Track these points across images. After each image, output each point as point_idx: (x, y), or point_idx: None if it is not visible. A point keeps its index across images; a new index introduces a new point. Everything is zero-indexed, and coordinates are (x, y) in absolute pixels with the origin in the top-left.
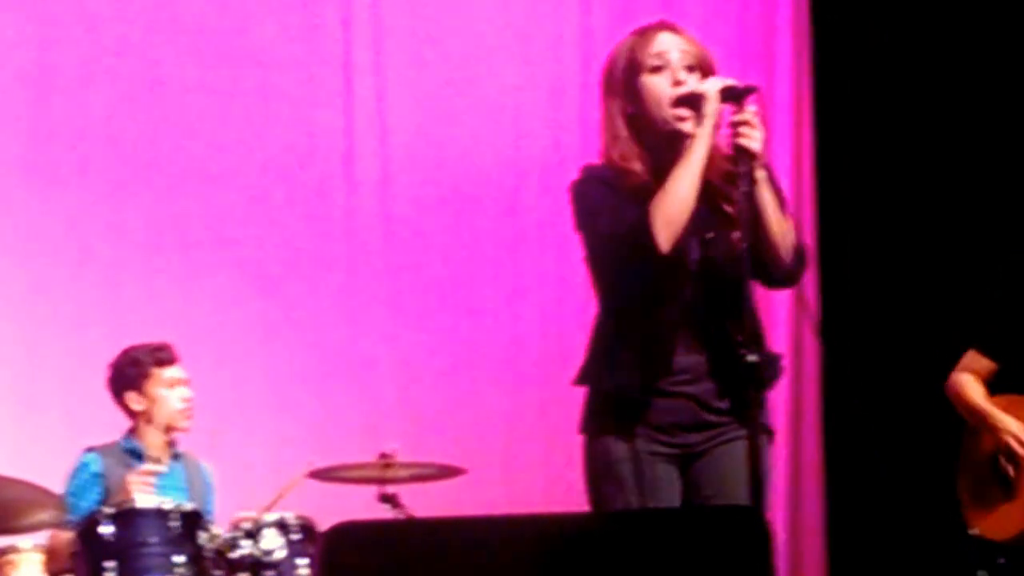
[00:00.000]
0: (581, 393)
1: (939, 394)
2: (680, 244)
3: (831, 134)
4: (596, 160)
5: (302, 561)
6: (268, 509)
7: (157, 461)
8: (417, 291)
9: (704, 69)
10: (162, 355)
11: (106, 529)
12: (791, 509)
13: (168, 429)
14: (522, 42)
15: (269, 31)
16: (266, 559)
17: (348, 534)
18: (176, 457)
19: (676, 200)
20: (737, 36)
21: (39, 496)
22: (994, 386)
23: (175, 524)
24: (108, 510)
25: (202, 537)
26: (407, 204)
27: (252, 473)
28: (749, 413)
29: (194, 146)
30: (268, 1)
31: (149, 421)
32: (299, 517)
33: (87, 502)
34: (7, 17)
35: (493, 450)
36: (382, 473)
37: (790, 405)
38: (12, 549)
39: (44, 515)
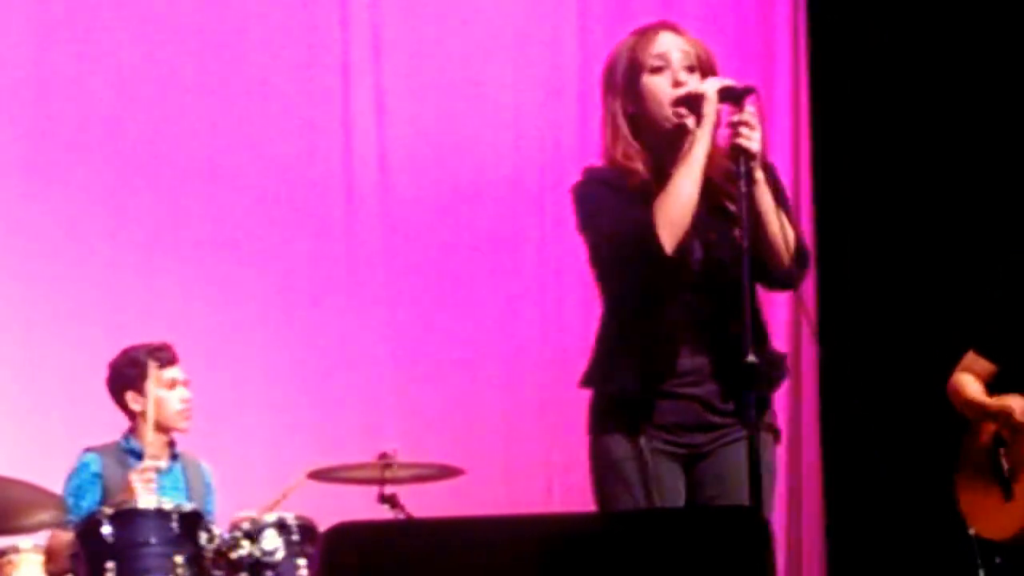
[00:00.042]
0: (580, 393)
1: (939, 394)
2: (683, 244)
3: (829, 134)
4: (596, 160)
5: (302, 561)
6: (269, 510)
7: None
8: (416, 291)
9: (705, 69)
10: (161, 355)
11: (106, 529)
12: (791, 509)
13: (166, 429)
14: (520, 42)
15: (268, 32)
16: (266, 559)
17: (348, 534)
18: (175, 457)
19: (679, 200)
20: (735, 36)
21: (39, 496)
22: (994, 387)
23: (175, 524)
24: (108, 510)
25: (202, 537)
26: (406, 204)
27: (252, 473)
28: (750, 413)
29: (194, 146)
30: (267, 2)
31: (148, 421)
32: (299, 517)
33: (87, 502)
34: (6, 18)
35: (492, 450)
36: (381, 473)
37: (789, 405)
38: (12, 549)
39: (44, 515)
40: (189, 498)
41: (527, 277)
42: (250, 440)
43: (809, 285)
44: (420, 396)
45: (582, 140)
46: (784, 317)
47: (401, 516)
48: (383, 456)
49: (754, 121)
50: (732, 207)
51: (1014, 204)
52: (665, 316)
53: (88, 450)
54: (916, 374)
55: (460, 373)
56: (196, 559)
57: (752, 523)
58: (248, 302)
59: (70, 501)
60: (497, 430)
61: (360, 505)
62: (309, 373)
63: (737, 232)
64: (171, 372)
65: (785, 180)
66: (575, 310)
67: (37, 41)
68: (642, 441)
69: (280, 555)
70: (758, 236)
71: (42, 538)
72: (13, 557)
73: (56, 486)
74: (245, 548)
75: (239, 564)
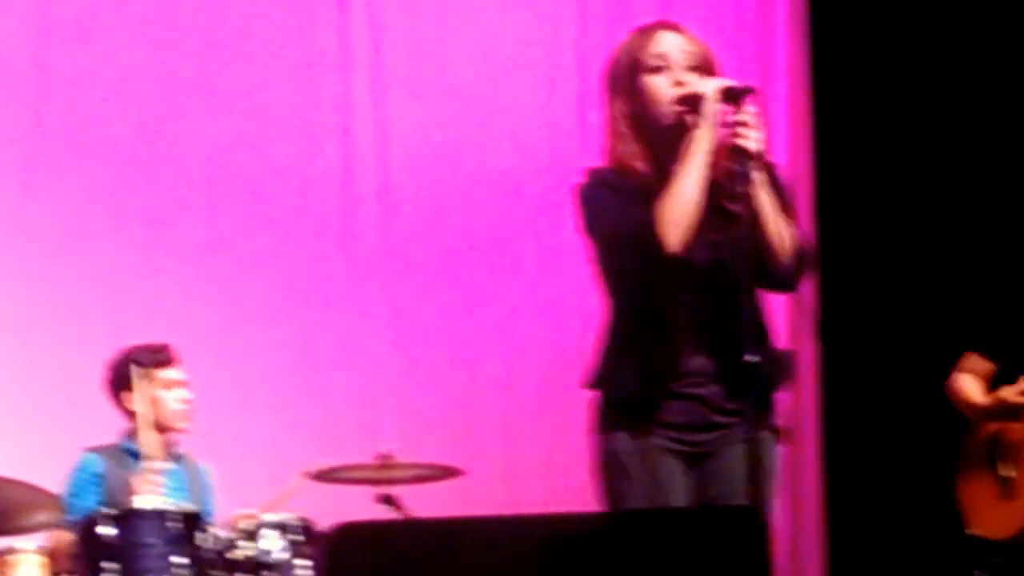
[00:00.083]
0: (580, 393)
1: (939, 394)
2: (688, 244)
3: (828, 134)
4: (596, 160)
5: (302, 562)
6: (267, 509)
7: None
8: (416, 292)
9: (706, 69)
10: (160, 356)
11: (106, 530)
12: (790, 509)
13: (165, 430)
14: (520, 43)
15: (267, 33)
16: (266, 560)
17: (352, 534)
18: (175, 458)
19: (682, 201)
20: (734, 36)
21: (38, 497)
22: (994, 387)
23: (175, 525)
24: (108, 511)
25: (202, 538)
26: (405, 204)
27: (251, 474)
28: (753, 413)
29: (194, 147)
30: (266, 3)
31: (147, 422)
32: (299, 518)
33: (87, 503)
34: (6, 19)
35: (492, 451)
36: (381, 474)
37: (789, 405)
38: (11, 550)
39: (43, 516)
40: (189, 499)
41: (527, 277)
42: (250, 440)
43: (809, 285)
44: (420, 396)
45: (582, 140)
46: (784, 316)
47: (401, 516)
48: (383, 456)
49: (754, 121)
50: (733, 207)
51: (1014, 204)
52: (668, 316)
53: (88, 451)
54: (916, 374)
55: (460, 373)
56: (196, 560)
57: (750, 523)
58: (248, 302)
59: (70, 502)
60: (497, 430)
61: (360, 505)
62: (309, 373)
63: (737, 232)
64: (169, 373)
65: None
66: (575, 310)
67: (37, 41)
68: (646, 439)
69: (280, 555)
70: (757, 237)
71: (42, 539)
72: (12, 558)
73: (56, 487)
74: (245, 549)
75: (239, 565)
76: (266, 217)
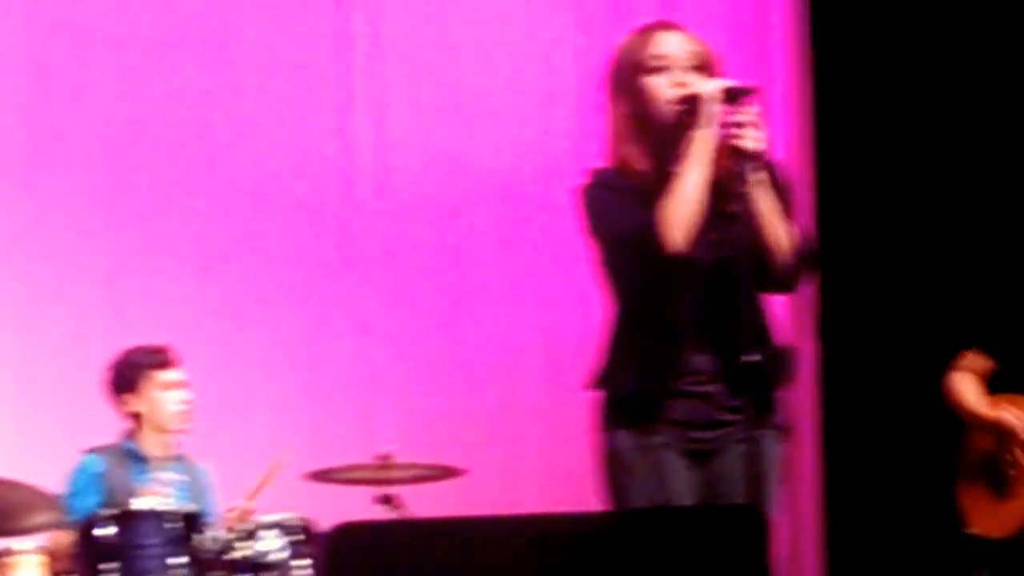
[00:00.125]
0: (579, 393)
1: (937, 393)
2: (691, 244)
3: (827, 134)
4: (594, 161)
5: (301, 562)
6: (254, 496)
7: (156, 463)
8: (415, 292)
9: (706, 69)
10: (160, 357)
11: (106, 531)
12: (789, 508)
13: (165, 431)
14: (518, 45)
15: (267, 35)
16: (265, 560)
17: (351, 534)
18: (175, 459)
19: (684, 201)
20: (732, 36)
21: (38, 498)
22: (992, 386)
23: (175, 526)
24: (108, 512)
25: (201, 539)
26: (404, 205)
27: (250, 475)
28: (755, 412)
29: (193, 148)
30: (265, 4)
31: (147, 423)
32: (298, 518)
33: (87, 504)
34: (5, 20)
35: (491, 451)
36: (380, 474)
37: (788, 404)
38: (11, 551)
39: (43, 517)
40: (189, 500)
41: (526, 278)
42: (249, 441)
43: (808, 284)
44: (419, 397)
45: (580, 142)
46: (784, 315)
47: (401, 517)
48: (382, 457)
49: (753, 121)
50: (734, 206)
51: (1014, 204)
52: (671, 316)
53: (88, 451)
54: (916, 373)
55: (459, 374)
56: (195, 560)
57: (750, 522)
58: (247, 303)
59: (70, 502)
60: (496, 430)
61: (359, 506)
62: (308, 374)
63: (738, 231)
64: (169, 374)
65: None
66: (574, 311)
67: (37, 43)
68: (649, 437)
69: (279, 556)
70: (757, 237)
71: (41, 540)
72: (12, 559)
73: (56, 488)
74: (244, 549)
75: (238, 565)
76: (265, 218)
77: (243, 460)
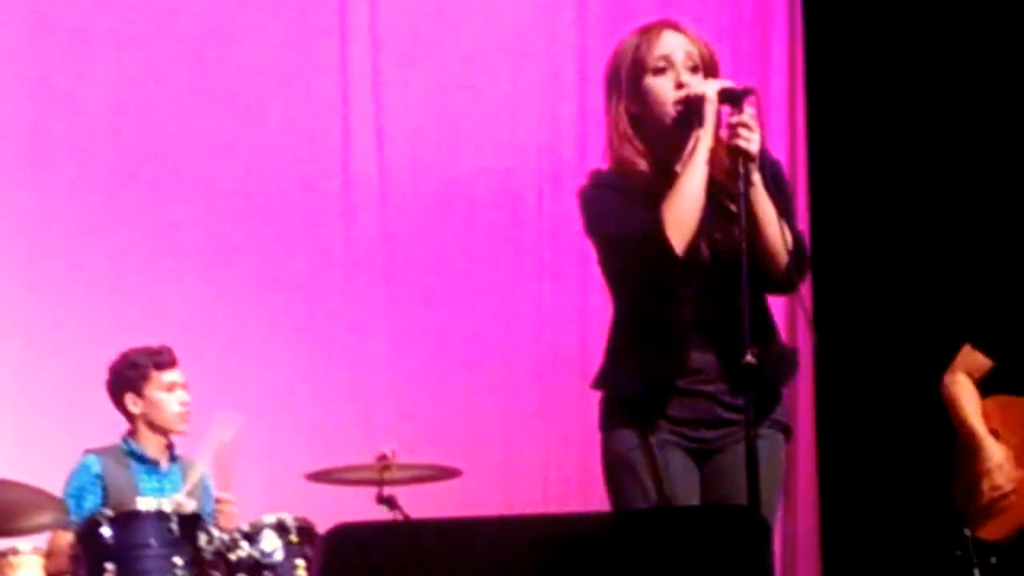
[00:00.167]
0: (577, 394)
1: (935, 394)
2: (692, 243)
3: (825, 134)
4: (597, 160)
5: (301, 563)
6: (226, 484)
7: (156, 464)
8: (414, 293)
9: (708, 69)
10: (161, 358)
11: (106, 531)
12: (786, 509)
13: (165, 432)
14: (518, 44)
15: (267, 35)
16: (265, 561)
17: (348, 535)
18: (175, 460)
19: (685, 201)
20: (731, 37)
21: (39, 499)
22: (990, 385)
23: (174, 526)
24: (108, 512)
25: (201, 539)
26: (404, 206)
27: (250, 475)
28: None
29: (193, 149)
30: (265, 6)
31: (147, 424)
32: (297, 519)
33: (88, 504)
34: (5, 22)
35: (490, 451)
36: (380, 475)
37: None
38: (11, 551)
39: (44, 517)
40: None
41: (525, 278)
42: (248, 442)
43: (806, 285)
44: (418, 397)
45: (580, 141)
46: (781, 314)
47: (400, 517)
48: (381, 457)
49: (753, 123)
50: (734, 206)
51: (1013, 204)
52: (674, 316)
53: (89, 452)
54: (914, 373)
55: (458, 374)
56: (195, 560)
57: (749, 523)
58: (246, 304)
59: (71, 503)
60: (495, 431)
61: (358, 506)
62: (307, 375)
63: (739, 230)
64: (170, 375)
65: None
66: (572, 311)
67: (37, 45)
68: (652, 435)
69: (279, 556)
70: (756, 238)
71: (41, 540)
72: (12, 559)
73: (56, 488)
74: (244, 550)
75: (238, 565)
76: (266, 218)
77: (242, 461)
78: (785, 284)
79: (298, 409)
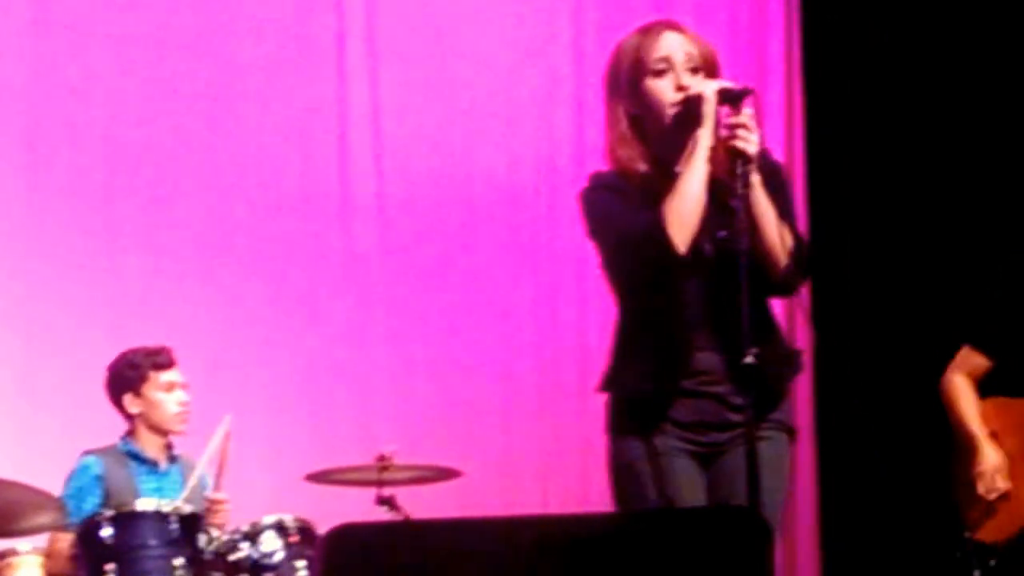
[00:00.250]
0: (576, 395)
1: (935, 395)
2: (695, 243)
3: (823, 135)
4: (595, 161)
5: (300, 563)
6: (219, 484)
7: (155, 464)
8: (413, 294)
9: (708, 69)
10: (159, 359)
11: (106, 532)
12: (786, 509)
13: (164, 432)
14: (516, 46)
15: (265, 38)
16: (265, 561)
17: (349, 536)
18: (174, 460)
19: (687, 200)
20: (728, 37)
21: (38, 499)
22: (988, 386)
23: (174, 527)
24: (108, 513)
25: (201, 540)
26: (403, 207)
27: (250, 476)
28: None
29: (193, 150)
30: (263, 7)
31: (146, 424)
32: (297, 520)
33: (87, 505)
34: (5, 23)
35: (490, 452)
36: (379, 475)
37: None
38: (11, 552)
39: (43, 518)
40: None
41: (524, 279)
42: (248, 443)
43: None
44: (417, 398)
45: (578, 143)
46: (780, 314)
47: (399, 518)
48: (381, 458)
49: (751, 123)
50: (734, 204)
51: (1013, 204)
52: (677, 315)
53: (88, 453)
54: (914, 374)
55: (457, 375)
56: (195, 561)
57: (750, 523)
58: (246, 305)
59: (70, 504)
60: (494, 432)
61: (358, 507)
62: (307, 376)
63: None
64: (168, 375)
65: None
66: (571, 312)
67: (35, 47)
68: (657, 441)
69: (279, 557)
70: (755, 239)
71: (41, 541)
72: (12, 560)
73: (56, 489)
74: (244, 550)
75: (238, 566)
76: (265, 220)
77: (241, 463)
78: (785, 286)
79: (298, 410)
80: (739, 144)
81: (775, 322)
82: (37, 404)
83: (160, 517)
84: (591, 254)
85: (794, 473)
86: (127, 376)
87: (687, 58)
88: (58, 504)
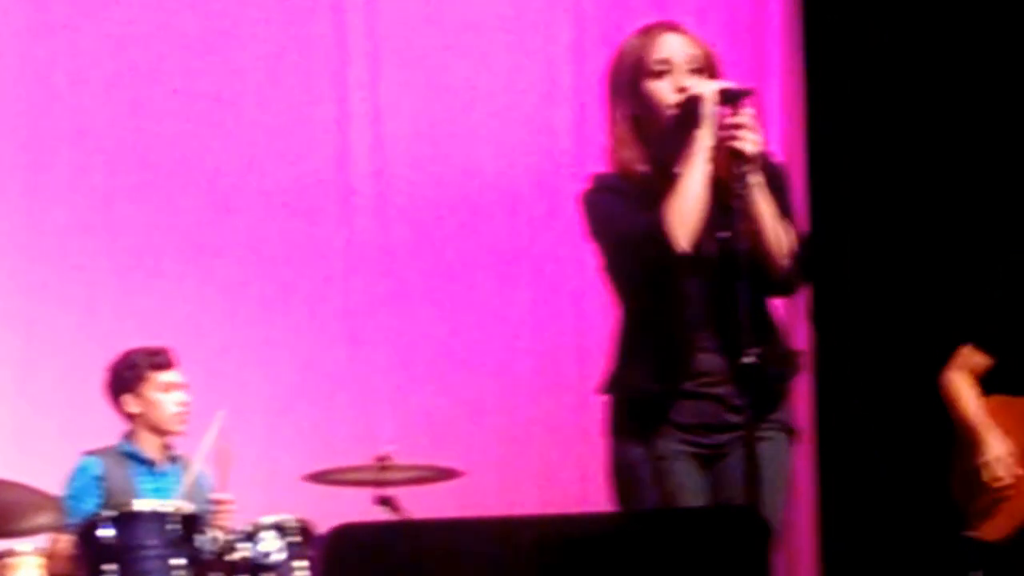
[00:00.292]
0: (575, 395)
1: (935, 394)
2: (697, 244)
3: (822, 135)
4: (594, 163)
5: (300, 563)
6: (222, 486)
7: (154, 465)
8: (413, 294)
9: (708, 70)
10: (159, 359)
11: (106, 532)
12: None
13: (163, 433)
14: (515, 47)
15: (265, 39)
16: (264, 561)
17: (349, 536)
18: (173, 460)
19: (688, 200)
20: (728, 38)
21: (38, 499)
22: (989, 385)
23: (174, 527)
24: (108, 513)
25: (201, 540)
26: (402, 208)
27: (249, 476)
28: (758, 414)
29: (192, 151)
30: (263, 7)
31: (145, 425)
32: (297, 520)
33: (87, 505)
34: (5, 23)
35: (489, 452)
36: (379, 476)
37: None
38: (11, 552)
39: (43, 518)
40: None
41: (523, 280)
42: (248, 443)
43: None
44: (417, 398)
45: (578, 144)
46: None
47: (399, 518)
48: (380, 458)
49: (751, 124)
50: (735, 203)
51: (1012, 204)
52: (679, 316)
53: (87, 453)
54: (913, 373)
55: (457, 375)
56: (195, 561)
57: (750, 523)
58: (245, 305)
59: (70, 504)
60: (494, 432)
61: (358, 507)
62: (307, 376)
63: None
64: (167, 376)
65: None
66: (570, 313)
67: (34, 48)
68: (659, 443)
69: (278, 557)
70: (756, 240)
71: (41, 541)
72: (12, 560)
73: (55, 489)
74: (244, 550)
75: (238, 566)
76: (264, 219)
77: (241, 463)
78: (785, 286)
79: (298, 410)
80: (739, 144)
81: (776, 322)
82: (37, 404)
83: (160, 517)
84: (590, 254)
85: (795, 473)
86: (126, 376)
87: (687, 59)
88: (58, 505)
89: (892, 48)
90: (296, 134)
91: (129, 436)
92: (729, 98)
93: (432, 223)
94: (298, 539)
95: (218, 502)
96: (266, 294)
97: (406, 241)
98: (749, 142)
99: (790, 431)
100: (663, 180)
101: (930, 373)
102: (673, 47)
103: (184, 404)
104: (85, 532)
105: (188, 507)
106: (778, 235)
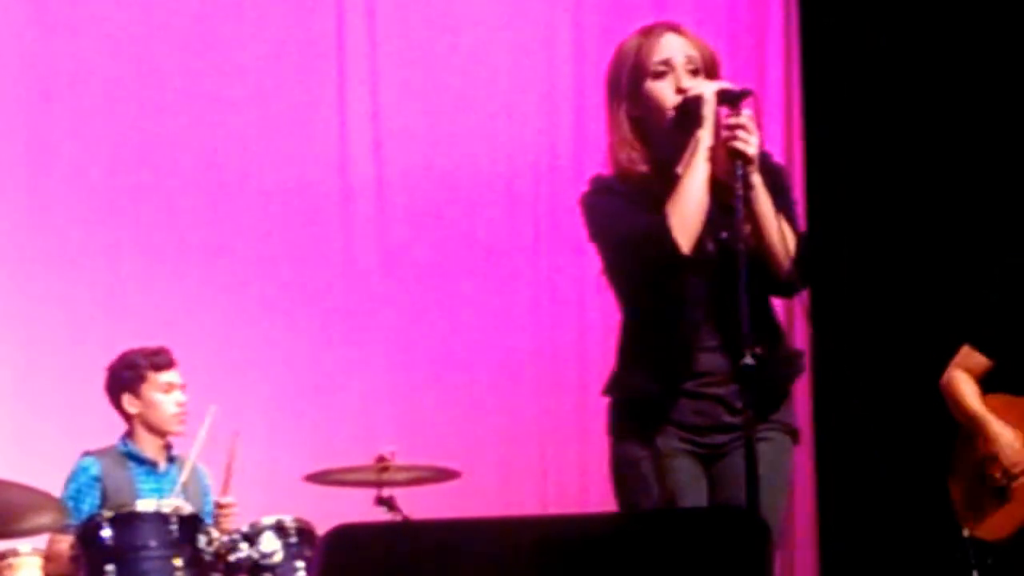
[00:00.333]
0: (575, 396)
1: (934, 395)
2: (697, 244)
3: (822, 135)
4: (594, 162)
5: (300, 564)
6: (226, 489)
7: (154, 465)
8: (413, 295)
9: (709, 70)
10: (158, 359)
11: (105, 532)
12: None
13: (162, 433)
14: (515, 47)
15: (265, 39)
16: (264, 562)
17: (348, 536)
18: (172, 460)
19: (689, 201)
20: (727, 38)
21: (38, 500)
22: (989, 385)
23: (174, 527)
24: (107, 514)
25: (201, 540)
26: (402, 209)
27: (249, 477)
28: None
29: (192, 151)
30: (263, 8)
31: (144, 425)
32: (297, 520)
33: (86, 506)
34: (5, 22)
35: (489, 453)
36: (379, 476)
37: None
38: (11, 553)
39: (43, 519)
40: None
41: (523, 281)
42: (247, 443)
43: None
44: (417, 399)
45: (577, 144)
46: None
47: (399, 518)
48: (380, 459)
49: (751, 124)
50: (735, 203)
51: (1010, 206)
52: (681, 317)
53: (87, 454)
54: (913, 374)
55: (456, 376)
56: (195, 562)
57: (749, 524)
58: (245, 306)
59: (69, 505)
60: (493, 432)
61: (357, 508)
62: (306, 376)
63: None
64: (167, 376)
65: None
66: (570, 314)
67: (35, 49)
68: (659, 441)
69: (278, 557)
70: (757, 240)
71: (41, 541)
72: (12, 561)
73: (55, 490)
74: (243, 551)
75: (237, 567)
76: (264, 221)
77: (241, 463)
78: (786, 286)
79: (297, 410)
80: (739, 145)
81: (777, 323)
82: (36, 405)
83: (160, 518)
84: (591, 255)
85: (794, 472)
86: (126, 376)
87: (687, 60)
88: (58, 505)
89: (890, 50)
90: (296, 134)
91: (128, 436)
92: (729, 99)
93: (432, 224)
94: (298, 539)
95: (221, 506)
96: (266, 294)
97: (406, 241)
98: (749, 142)
99: (791, 432)
100: (663, 181)
101: (929, 374)
102: (673, 47)
103: (183, 404)
104: (85, 532)
105: (188, 507)
106: (779, 235)
